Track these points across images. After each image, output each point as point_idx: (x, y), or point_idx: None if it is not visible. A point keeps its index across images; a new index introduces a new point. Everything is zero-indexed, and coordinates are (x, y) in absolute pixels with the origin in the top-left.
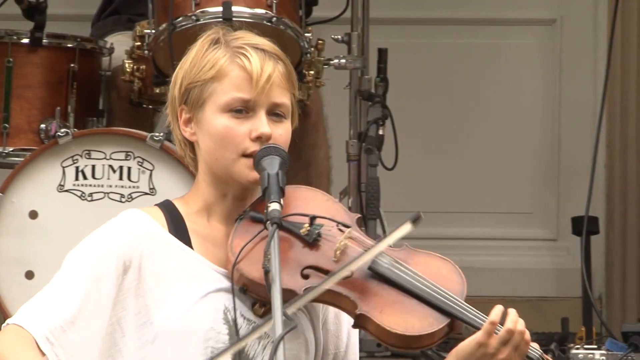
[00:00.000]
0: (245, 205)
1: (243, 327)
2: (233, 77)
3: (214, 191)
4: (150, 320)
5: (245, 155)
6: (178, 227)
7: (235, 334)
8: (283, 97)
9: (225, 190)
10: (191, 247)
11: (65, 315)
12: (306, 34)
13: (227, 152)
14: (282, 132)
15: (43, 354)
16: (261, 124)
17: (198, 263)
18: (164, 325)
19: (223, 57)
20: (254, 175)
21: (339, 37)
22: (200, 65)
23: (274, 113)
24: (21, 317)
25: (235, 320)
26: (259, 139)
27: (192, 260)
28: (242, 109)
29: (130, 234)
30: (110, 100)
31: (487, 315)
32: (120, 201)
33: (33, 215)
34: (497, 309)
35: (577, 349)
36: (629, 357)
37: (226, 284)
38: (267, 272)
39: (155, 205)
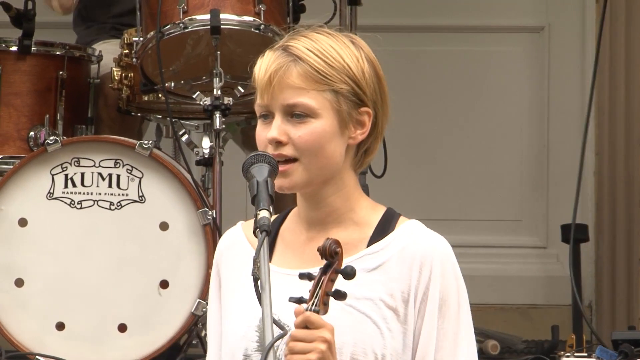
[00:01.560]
0: (320, 209)
1: (275, 332)
2: (257, 82)
3: (298, 195)
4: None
5: None
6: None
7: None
8: (299, 97)
9: (299, 194)
10: (270, 257)
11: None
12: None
13: None
14: (301, 133)
15: None
16: (270, 128)
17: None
18: (224, 332)
19: (258, 63)
20: (278, 182)
21: None
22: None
23: (295, 114)
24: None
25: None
26: (270, 143)
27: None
28: (267, 114)
29: (217, 254)
30: (98, 108)
31: None
32: (110, 209)
33: (22, 223)
34: None
35: (567, 356)
36: None
37: (282, 282)
38: (256, 279)
39: (286, 210)
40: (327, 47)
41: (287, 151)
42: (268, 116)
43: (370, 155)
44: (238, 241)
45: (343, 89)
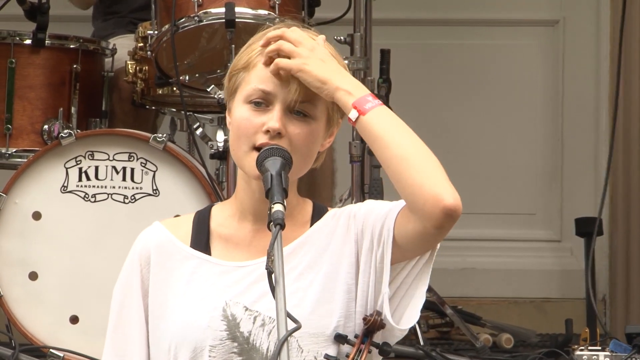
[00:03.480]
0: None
1: (244, 319)
2: (259, 68)
3: (245, 186)
4: (159, 329)
5: (255, 147)
6: (199, 235)
7: (235, 327)
8: (307, 96)
9: (251, 185)
10: (208, 252)
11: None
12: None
13: (240, 144)
14: (300, 132)
15: None
16: (273, 117)
17: (209, 265)
18: (166, 334)
19: (257, 48)
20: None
21: (342, 38)
22: (240, 56)
23: (296, 111)
24: None
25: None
26: (267, 132)
27: (202, 265)
28: (262, 102)
29: (140, 254)
30: (112, 102)
31: None
32: (124, 202)
33: (36, 216)
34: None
35: (581, 350)
36: (633, 359)
37: (237, 274)
38: (270, 273)
39: (197, 211)
40: (333, 52)
41: (282, 144)
42: (262, 103)
43: (318, 162)
44: (166, 239)
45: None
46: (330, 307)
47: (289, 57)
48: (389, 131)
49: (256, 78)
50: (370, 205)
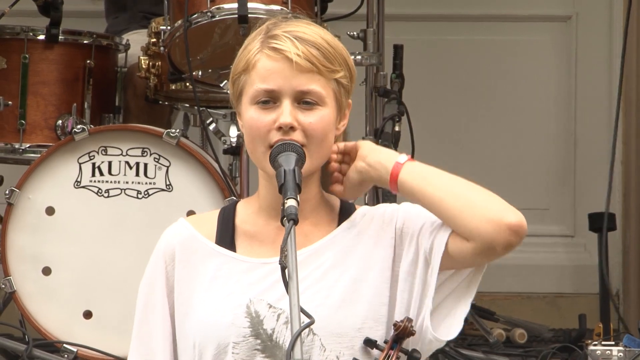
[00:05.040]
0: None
1: (267, 316)
2: (259, 68)
3: (266, 184)
4: (185, 325)
5: (271, 146)
6: (224, 232)
7: (258, 324)
8: (312, 84)
9: (272, 183)
10: (234, 249)
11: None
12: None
13: (256, 145)
14: (312, 120)
15: None
16: (282, 113)
17: (234, 263)
18: (191, 330)
19: (254, 48)
20: None
21: (355, 33)
22: (239, 58)
23: (304, 101)
24: None
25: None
26: (280, 129)
27: (227, 262)
28: (269, 100)
29: (165, 251)
30: (126, 97)
31: None
32: (137, 197)
33: (50, 211)
34: None
35: (595, 345)
36: None
37: (261, 271)
38: (284, 269)
39: (222, 208)
40: (329, 37)
41: (297, 137)
42: (269, 101)
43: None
44: (190, 236)
45: (343, 79)
46: (355, 308)
47: None
48: (434, 174)
49: (258, 78)
50: (411, 212)
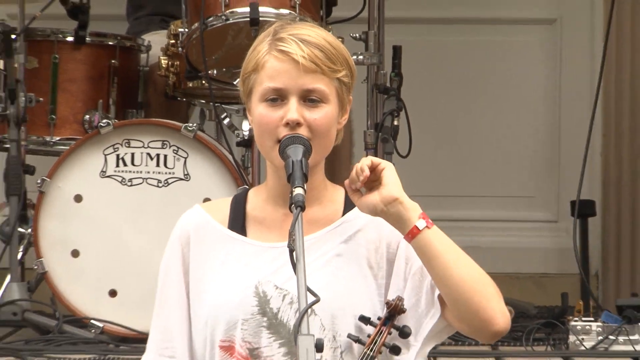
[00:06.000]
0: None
1: (274, 296)
2: (267, 68)
3: (274, 175)
4: (198, 304)
5: (279, 140)
6: (236, 218)
7: (265, 303)
8: (316, 83)
9: (279, 173)
10: (244, 234)
11: (164, 340)
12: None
13: (265, 140)
14: (317, 116)
15: None
16: (289, 110)
17: (244, 246)
18: (204, 308)
19: (263, 49)
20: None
21: (357, 35)
22: (248, 59)
23: (309, 99)
24: (145, 357)
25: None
26: (287, 124)
27: (238, 246)
28: (277, 98)
29: (181, 236)
30: (147, 94)
31: None
32: (157, 186)
33: (78, 199)
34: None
35: (576, 321)
36: (623, 329)
37: (269, 254)
38: (292, 251)
39: (234, 195)
40: (331, 39)
41: (303, 132)
42: (277, 99)
43: (338, 139)
44: (205, 222)
45: (344, 77)
46: (353, 294)
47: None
48: (452, 247)
49: (267, 77)
50: (415, 267)
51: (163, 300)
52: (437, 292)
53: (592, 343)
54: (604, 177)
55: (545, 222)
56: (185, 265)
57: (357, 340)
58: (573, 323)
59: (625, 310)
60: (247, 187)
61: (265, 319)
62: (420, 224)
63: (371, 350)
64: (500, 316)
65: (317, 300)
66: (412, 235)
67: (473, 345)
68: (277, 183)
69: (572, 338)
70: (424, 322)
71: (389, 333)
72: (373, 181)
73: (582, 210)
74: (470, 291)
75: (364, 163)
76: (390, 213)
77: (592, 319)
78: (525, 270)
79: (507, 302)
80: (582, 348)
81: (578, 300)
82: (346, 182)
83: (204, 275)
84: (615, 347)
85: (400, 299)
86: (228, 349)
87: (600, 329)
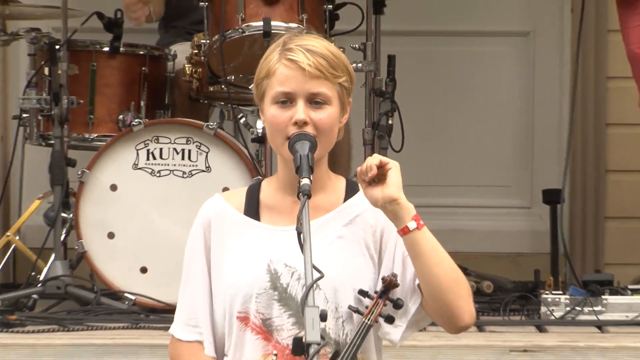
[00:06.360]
0: None
1: (284, 273)
2: (278, 74)
3: (283, 167)
4: (218, 280)
5: (288, 138)
6: (250, 205)
7: (276, 279)
8: (321, 87)
9: (288, 166)
10: (258, 219)
11: (189, 312)
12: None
13: (276, 137)
14: (322, 116)
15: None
16: (297, 111)
17: (258, 229)
18: (223, 284)
19: (274, 58)
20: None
21: (356, 45)
22: (261, 66)
23: (314, 101)
24: (173, 328)
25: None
26: (296, 124)
27: (253, 229)
28: (286, 100)
29: (203, 221)
30: (173, 97)
31: None
32: (182, 177)
33: (113, 188)
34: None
35: (547, 294)
36: (588, 301)
37: (279, 236)
38: (299, 233)
39: (249, 185)
40: (333, 49)
41: (309, 130)
42: (287, 102)
43: (339, 135)
44: (224, 209)
45: (345, 82)
46: (353, 271)
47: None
48: (436, 249)
49: (277, 83)
50: (402, 254)
51: (188, 277)
52: (417, 281)
53: (561, 313)
54: (571, 171)
55: (520, 208)
56: (207, 247)
57: (357, 311)
58: (544, 296)
59: (589, 285)
60: (261, 178)
61: (276, 293)
62: (412, 224)
63: (369, 320)
64: (468, 314)
65: (322, 276)
66: (403, 232)
67: None
68: (286, 174)
69: (543, 309)
70: (408, 305)
71: (384, 305)
72: (380, 175)
73: (552, 197)
74: (446, 289)
75: (373, 162)
76: (388, 210)
77: (560, 292)
78: (503, 250)
79: (487, 278)
80: (552, 317)
81: (549, 276)
82: (358, 169)
83: (223, 255)
84: (581, 317)
85: (394, 275)
86: (244, 319)
87: (567, 301)
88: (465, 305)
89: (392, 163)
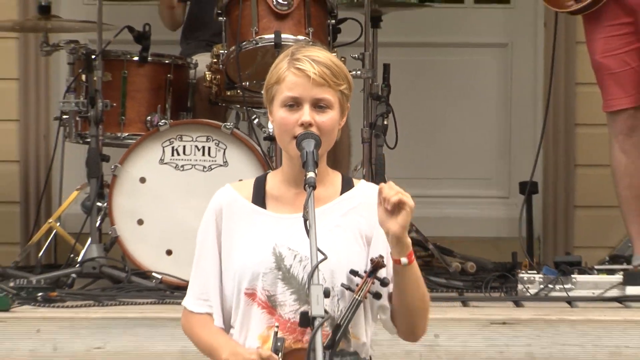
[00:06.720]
0: None
1: (287, 256)
2: (287, 81)
3: (288, 163)
4: (228, 261)
5: (295, 137)
6: (258, 195)
7: (280, 261)
8: (324, 94)
9: (293, 162)
10: (264, 207)
11: (201, 287)
12: (333, 54)
13: (284, 136)
14: (324, 119)
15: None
16: (304, 114)
17: (265, 217)
18: (233, 264)
19: (284, 66)
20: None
21: (356, 55)
22: (272, 73)
23: (318, 106)
24: (185, 301)
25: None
26: (302, 125)
27: (260, 216)
28: (293, 104)
29: (215, 207)
30: (195, 101)
31: None
32: (203, 170)
33: (142, 180)
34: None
35: (523, 273)
36: (559, 279)
37: (284, 223)
38: (306, 220)
39: (256, 177)
40: (335, 60)
41: (313, 131)
42: (294, 105)
43: (338, 135)
44: (234, 198)
45: (345, 90)
46: (347, 255)
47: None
48: (417, 281)
49: (286, 88)
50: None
51: (201, 257)
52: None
53: (535, 290)
54: (544, 165)
55: (500, 198)
56: (218, 230)
57: (348, 288)
58: (521, 275)
59: (560, 265)
60: (271, 171)
61: (280, 273)
62: (404, 260)
63: (359, 296)
64: (422, 332)
65: (325, 258)
66: (394, 261)
67: (442, 292)
68: (290, 169)
69: (520, 286)
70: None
71: (373, 283)
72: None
73: (528, 189)
74: (414, 312)
75: (394, 199)
76: (389, 238)
77: (535, 272)
78: (484, 235)
79: (471, 259)
80: (528, 294)
81: (525, 258)
82: (385, 193)
83: (233, 238)
84: (553, 294)
85: (381, 257)
86: (251, 295)
87: (541, 279)
88: (424, 326)
89: (408, 205)
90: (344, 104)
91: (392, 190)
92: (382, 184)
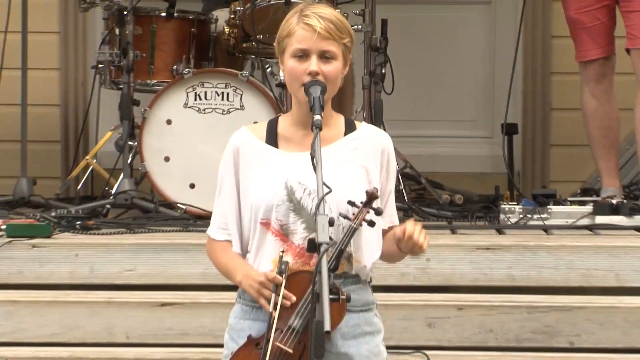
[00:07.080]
0: None
1: (297, 189)
2: (297, 34)
3: (297, 107)
4: (245, 194)
5: (303, 84)
6: (270, 135)
7: (292, 194)
8: (330, 46)
9: (301, 106)
10: (277, 146)
11: (222, 218)
12: (337, 10)
13: (293, 83)
14: (330, 69)
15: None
16: (311, 64)
17: (277, 155)
18: (250, 197)
19: (294, 22)
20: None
21: (357, 11)
22: (283, 27)
23: (324, 57)
24: (209, 230)
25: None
26: (310, 73)
27: (273, 154)
28: (302, 55)
29: (233, 147)
30: (215, 52)
31: None
32: (222, 114)
33: (168, 122)
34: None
35: (505, 205)
36: (536, 210)
37: (294, 160)
38: (312, 157)
39: (269, 120)
40: (339, 15)
41: (320, 79)
42: (303, 56)
43: (341, 83)
44: (249, 138)
45: (348, 43)
46: (350, 188)
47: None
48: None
49: (296, 41)
50: (392, 185)
51: (221, 191)
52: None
53: (516, 219)
54: (524, 107)
55: (484, 137)
56: (236, 167)
57: (345, 217)
58: (503, 206)
59: (537, 198)
60: (282, 114)
61: (291, 204)
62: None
63: (355, 224)
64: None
65: (330, 191)
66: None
67: (433, 221)
68: (299, 113)
69: (502, 216)
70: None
71: (368, 212)
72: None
73: (508, 130)
74: (395, 259)
75: (424, 246)
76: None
77: (515, 203)
78: (470, 170)
79: (459, 192)
80: (509, 223)
81: (506, 191)
82: (402, 231)
83: (249, 174)
84: (531, 222)
85: (376, 189)
86: (266, 224)
87: (521, 209)
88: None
89: (422, 249)
90: (347, 55)
91: (422, 236)
92: (412, 225)
